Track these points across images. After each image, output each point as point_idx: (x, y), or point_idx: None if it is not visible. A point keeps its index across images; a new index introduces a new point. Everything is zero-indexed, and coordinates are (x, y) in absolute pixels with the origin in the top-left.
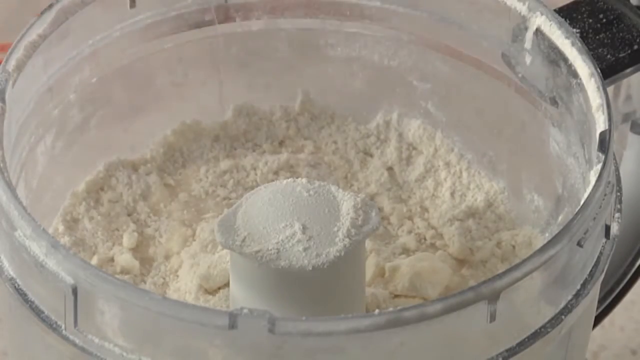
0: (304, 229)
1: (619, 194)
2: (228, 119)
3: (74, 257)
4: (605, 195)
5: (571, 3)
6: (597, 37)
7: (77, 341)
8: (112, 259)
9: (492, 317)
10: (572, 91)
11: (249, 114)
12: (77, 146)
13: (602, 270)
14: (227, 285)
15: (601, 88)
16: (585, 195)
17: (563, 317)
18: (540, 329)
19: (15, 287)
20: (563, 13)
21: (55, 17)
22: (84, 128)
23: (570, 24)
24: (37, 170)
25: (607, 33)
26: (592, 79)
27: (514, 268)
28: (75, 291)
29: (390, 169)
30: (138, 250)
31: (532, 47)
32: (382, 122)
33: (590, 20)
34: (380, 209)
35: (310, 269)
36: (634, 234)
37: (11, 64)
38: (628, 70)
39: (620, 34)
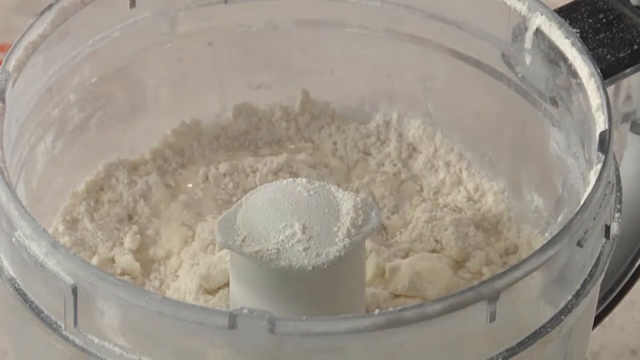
0: (304, 229)
1: (619, 194)
2: (228, 119)
3: (74, 257)
4: (605, 195)
5: (571, 3)
6: (597, 37)
7: (77, 341)
8: (112, 260)
9: (492, 317)
10: (572, 91)
11: (249, 114)
12: (77, 146)
13: (602, 270)
14: (227, 285)
15: (601, 88)
16: (585, 195)
17: (563, 317)
18: (540, 329)
19: (15, 287)
20: (563, 13)
21: (55, 17)
22: (84, 128)
23: (570, 24)
24: (37, 170)
25: (607, 33)
26: (592, 79)
27: (514, 268)
28: (75, 291)
29: None
30: (138, 250)
31: (532, 47)
32: (382, 122)
33: (590, 20)
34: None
35: (310, 269)
36: (634, 234)
37: (11, 64)
38: (628, 70)
39: (620, 34)
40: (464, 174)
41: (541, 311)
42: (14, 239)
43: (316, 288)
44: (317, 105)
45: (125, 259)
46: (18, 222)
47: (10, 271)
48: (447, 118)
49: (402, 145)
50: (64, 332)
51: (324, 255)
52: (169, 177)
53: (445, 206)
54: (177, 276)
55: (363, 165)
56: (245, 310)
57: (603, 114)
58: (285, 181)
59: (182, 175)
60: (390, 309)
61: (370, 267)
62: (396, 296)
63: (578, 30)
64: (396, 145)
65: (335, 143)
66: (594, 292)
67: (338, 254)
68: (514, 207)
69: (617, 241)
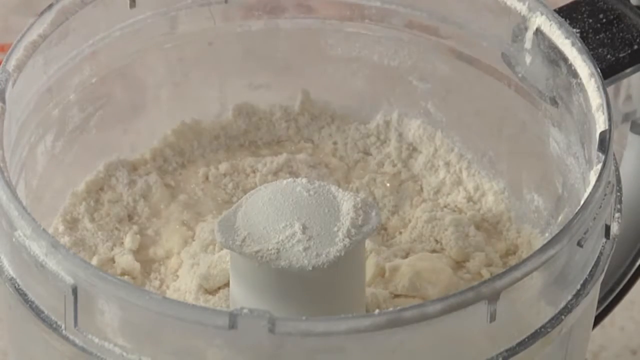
0: (304, 229)
1: (619, 194)
2: (228, 119)
3: (74, 257)
4: (605, 195)
5: (571, 3)
6: (597, 37)
7: (77, 341)
8: (112, 260)
9: (492, 317)
10: (572, 91)
11: (249, 114)
12: (77, 146)
13: (602, 270)
14: (227, 285)
15: (601, 88)
16: (585, 195)
17: (563, 317)
18: (540, 329)
19: (15, 287)
20: (563, 13)
21: (55, 17)
22: (84, 128)
23: (570, 24)
24: (37, 170)
25: (607, 33)
26: (592, 79)
27: (514, 268)
28: (75, 291)
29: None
30: (138, 250)
31: (532, 47)
32: (382, 122)
33: (590, 20)
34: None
35: (310, 269)
36: (634, 234)
37: (11, 64)
38: (628, 70)
39: (620, 34)
40: (464, 174)
41: (541, 311)
42: (14, 239)
43: (316, 288)
44: (317, 105)
45: (125, 259)
46: (18, 222)
47: (10, 271)
48: (447, 118)
49: (402, 145)
50: (64, 332)
51: (324, 255)
52: (169, 177)
53: (445, 206)
54: (177, 276)
55: (363, 165)
56: (245, 310)
57: (603, 114)
58: (285, 181)
59: (182, 175)
60: (390, 309)
61: (370, 267)
62: (396, 296)
63: (578, 30)
64: (396, 145)
65: (335, 143)
66: (594, 292)
67: (338, 254)
68: (514, 207)
69: (617, 241)
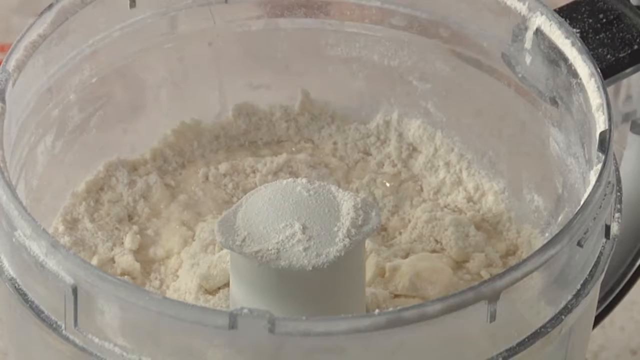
0: (304, 229)
1: (619, 194)
2: (228, 119)
3: (74, 257)
4: (605, 195)
5: (571, 3)
6: (597, 37)
7: (77, 341)
8: (112, 260)
9: (492, 317)
10: (572, 91)
11: (249, 114)
12: (77, 146)
13: (602, 270)
14: (227, 285)
15: (601, 88)
16: (585, 195)
17: (563, 317)
18: (540, 329)
19: (15, 287)
20: (563, 13)
21: (55, 17)
22: (84, 128)
23: (570, 24)
24: (37, 170)
25: (607, 33)
26: (592, 79)
27: (514, 268)
28: (75, 291)
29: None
30: (138, 250)
31: (532, 47)
32: (382, 122)
33: (590, 20)
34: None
35: (310, 269)
36: (634, 234)
37: (11, 64)
38: (628, 70)
39: (620, 34)
40: (464, 174)
41: (541, 311)
42: (14, 239)
43: (316, 288)
44: (317, 105)
45: (125, 259)
46: (18, 222)
47: (10, 271)
48: (447, 118)
49: (402, 145)
50: (64, 332)
51: (324, 255)
52: (169, 177)
53: (445, 206)
54: (177, 276)
55: (363, 165)
56: (245, 310)
57: (603, 114)
58: (285, 181)
59: (182, 175)
60: (390, 309)
61: (370, 267)
62: (396, 296)
63: (578, 30)
64: (396, 145)
65: (335, 143)
66: (594, 292)
67: (338, 254)
68: (514, 207)
69: (617, 241)
